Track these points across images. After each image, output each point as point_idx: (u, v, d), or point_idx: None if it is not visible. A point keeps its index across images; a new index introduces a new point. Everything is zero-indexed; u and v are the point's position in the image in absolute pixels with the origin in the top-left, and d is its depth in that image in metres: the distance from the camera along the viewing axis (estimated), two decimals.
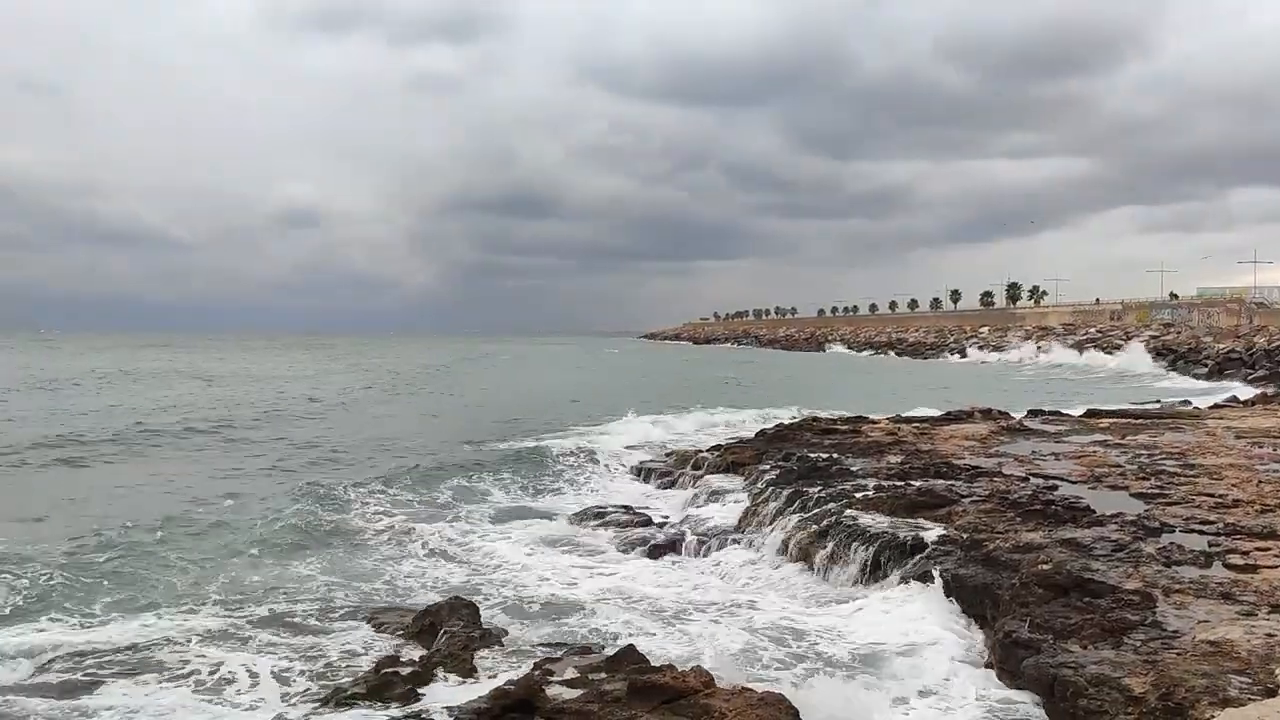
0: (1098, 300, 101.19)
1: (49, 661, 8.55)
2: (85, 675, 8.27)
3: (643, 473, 19.55)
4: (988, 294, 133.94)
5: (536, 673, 7.69)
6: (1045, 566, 8.57)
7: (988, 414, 22.89)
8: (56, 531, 13.26)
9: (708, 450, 19.84)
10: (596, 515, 15.00)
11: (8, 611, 9.84)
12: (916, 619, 9.03)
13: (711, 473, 17.88)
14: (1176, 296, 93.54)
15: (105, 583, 10.91)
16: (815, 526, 11.78)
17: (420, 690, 7.67)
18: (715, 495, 16.11)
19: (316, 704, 7.55)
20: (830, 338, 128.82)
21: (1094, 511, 10.86)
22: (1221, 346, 57.22)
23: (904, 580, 9.82)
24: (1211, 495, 11.58)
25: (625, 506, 15.76)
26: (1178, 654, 6.55)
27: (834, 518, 11.76)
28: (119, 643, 9.06)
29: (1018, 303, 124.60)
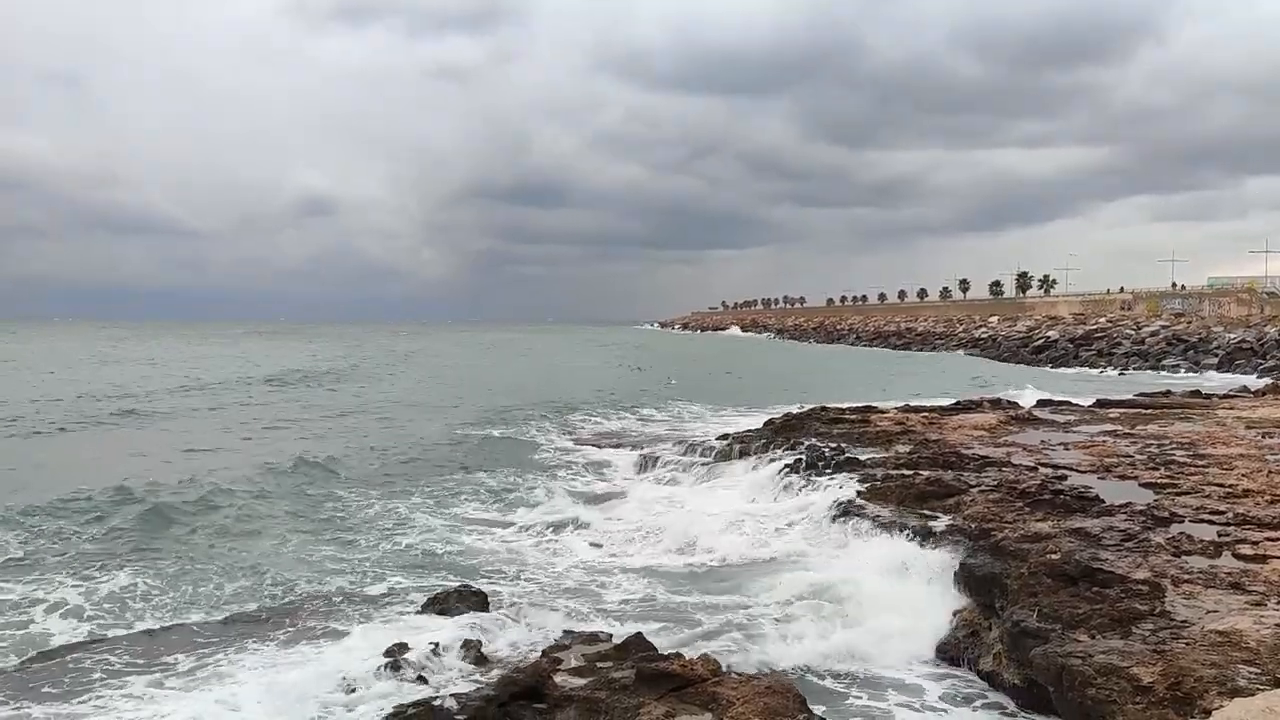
0: (1121, 289, 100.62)
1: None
2: (91, 663, 8.36)
3: (651, 462, 19.54)
4: (997, 283, 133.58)
5: (544, 660, 7.72)
6: (1054, 556, 8.55)
7: (996, 404, 22.84)
8: None
9: (716, 439, 19.84)
10: (600, 506, 15.03)
11: None
12: None
13: (719, 461, 17.89)
14: (1184, 287, 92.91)
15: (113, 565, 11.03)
16: (823, 516, 11.78)
17: (429, 676, 7.70)
18: (723, 485, 16.12)
19: (327, 689, 7.57)
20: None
21: (1103, 501, 10.83)
22: (1232, 336, 56.91)
23: None
24: (1221, 485, 11.54)
25: (630, 497, 15.79)
26: (1186, 644, 6.53)
27: (841, 507, 11.75)
28: (125, 624, 9.20)
29: (1027, 292, 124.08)
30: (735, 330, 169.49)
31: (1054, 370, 55.70)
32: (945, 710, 7.65)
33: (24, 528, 12.79)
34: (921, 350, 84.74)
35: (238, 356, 67.68)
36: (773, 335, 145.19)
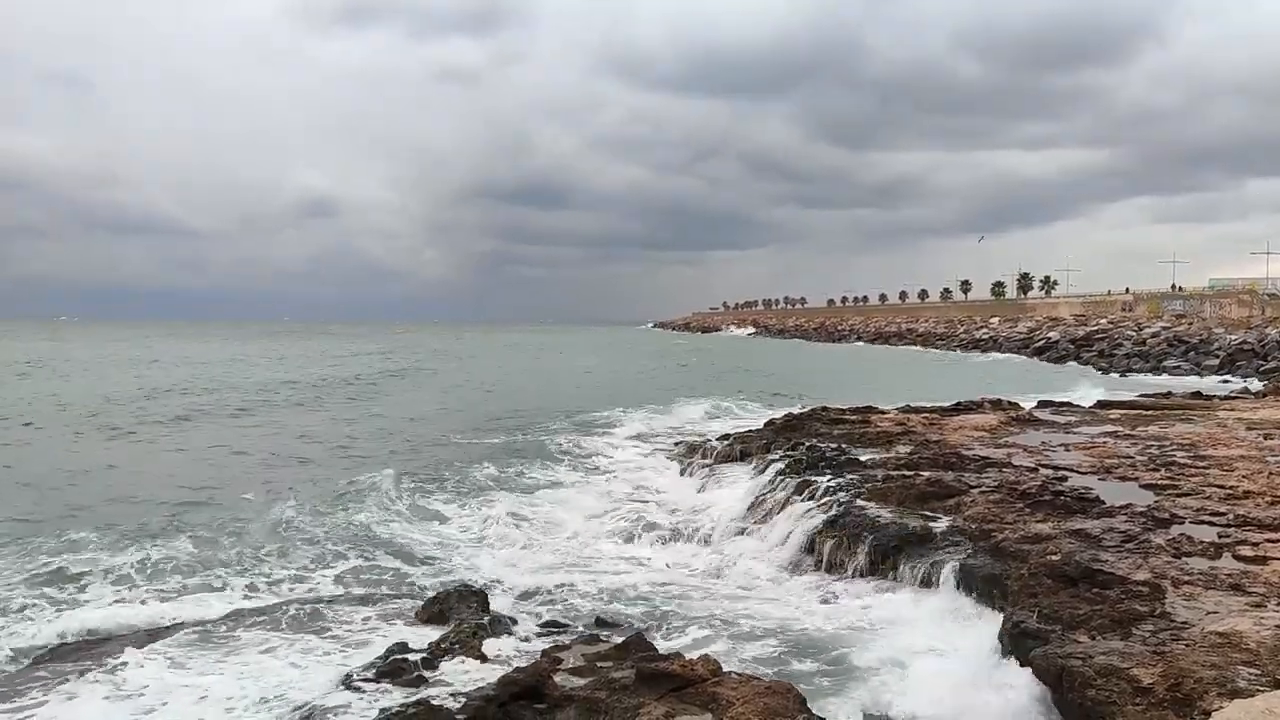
0: (1126, 289, 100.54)
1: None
2: (102, 656, 8.39)
3: (653, 461, 19.56)
4: (999, 284, 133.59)
5: (545, 660, 7.72)
6: (1054, 557, 8.55)
7: (997, 405, 22.81)
8: None
9: (717, 439, 19.84)
10: (605, 504, 15.04)
11: None
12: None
13: (720, 462, 17.89)
14: (1182, 289, 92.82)
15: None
16: (823, 517, 11.78)
17: (430, 676, 7.71)
18: (723, 485, 16.12)
19: (327, 689, 7.59)
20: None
21: (1103, 502, 10.83)
22: (1233, 338, 56.85)
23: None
24: (1222, 487, 11.53)
25: (634, 495, 15.80)
26: (1186, 645, 6.53)
27: (842, 508, 11.75)
28: (135, 624, 9.25)
29: (1029, 293, 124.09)
30: (733, 329, 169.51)
31: (1118, 377, 52.68)
32: None
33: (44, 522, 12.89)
34: (959, 350, 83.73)
35: (283, 356, 70.21)
36: (755, 334, 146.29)
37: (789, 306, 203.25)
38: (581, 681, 7.22)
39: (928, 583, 9.50)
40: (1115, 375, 51.35)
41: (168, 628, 9.23)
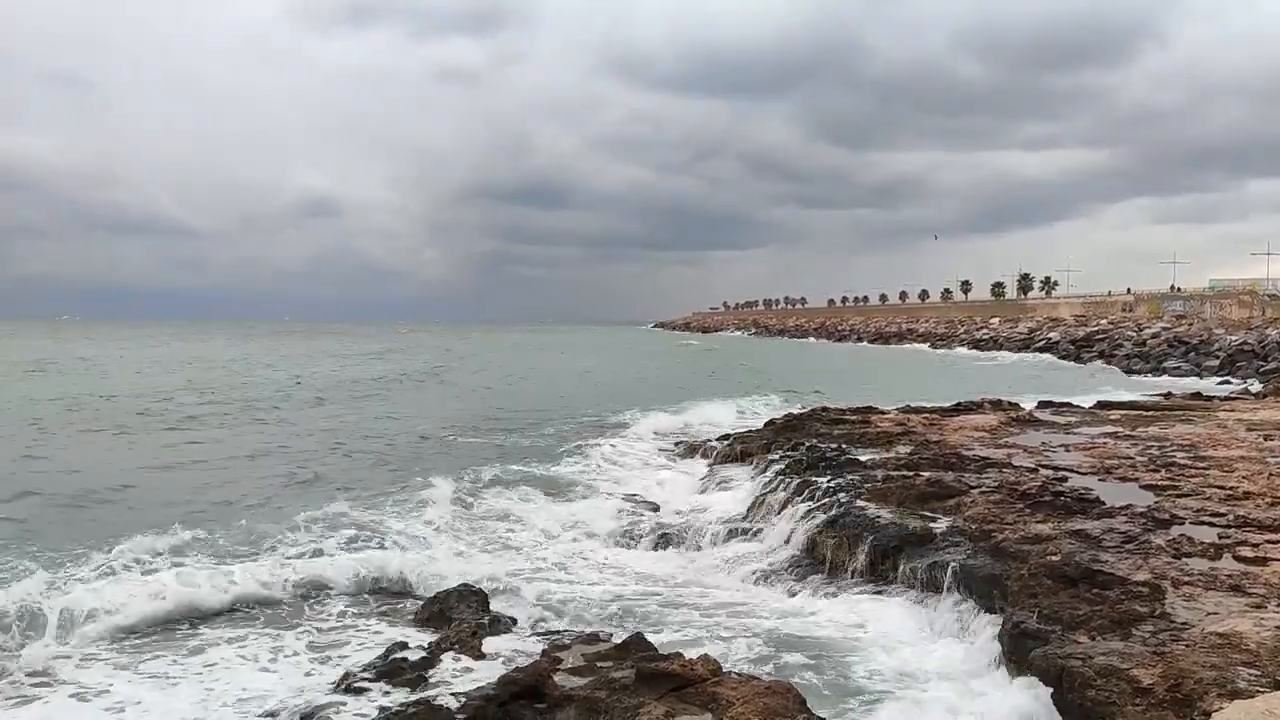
0: (1128, 290, 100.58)
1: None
2: (94, 656, 8.37)
3: (653, 461, 19.56)
4: (999, 284, 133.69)
5: (544, 660, 7.71)
6: (1054, 558, 8.55)
7: (998, 405, 22.82)
8: None
9: (717, 440, 19.85)
10: (605, 505, 15.03)
11: None
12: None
13: (720, 462, 17.89)
14: (1182, 289, 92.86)
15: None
16: (823, 517, 11.78)
17: (429, 676, 7.70)
18: (723, 485, 16.12)
19: (326, 689, 7.59)
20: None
21: (1104, 503, 10.82)
22: (1234, 339, 56.83)
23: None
24: (1222, 488, 11.53)
25: (634, 496, 15.80)
26: (1186, 646, 6.53)
27: (842, 508, 11.74)
28: (128, 619, 9.24)
29: (1029, 294, 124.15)
30: (733, 330, 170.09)
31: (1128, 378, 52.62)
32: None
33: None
34: (962, 348, 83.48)
35: (286, 355, 71.18)
36: (755, 334, 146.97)
37: (789, 306, 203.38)
38: (581, 681, 7.22)
39: (927, 583, 9.49)
40: (1122, 376, 51.35)
41: (156, 625, 9.18)
